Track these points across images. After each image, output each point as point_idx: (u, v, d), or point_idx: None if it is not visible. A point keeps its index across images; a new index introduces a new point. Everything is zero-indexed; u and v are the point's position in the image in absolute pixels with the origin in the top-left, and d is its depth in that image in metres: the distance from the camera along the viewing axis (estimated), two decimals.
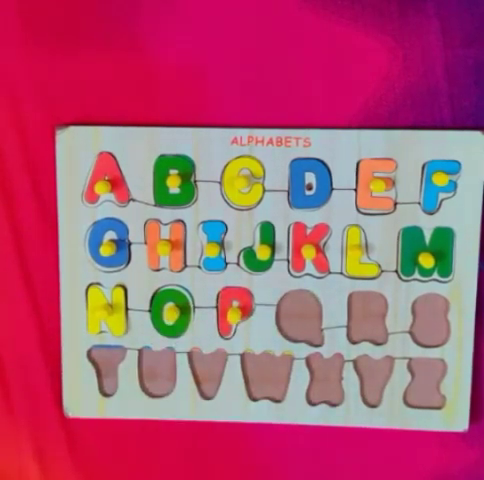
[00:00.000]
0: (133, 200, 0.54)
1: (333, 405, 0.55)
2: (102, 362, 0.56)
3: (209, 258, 0.54)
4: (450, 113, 0.52)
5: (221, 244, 0.54)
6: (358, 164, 0.52)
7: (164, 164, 0.53)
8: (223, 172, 0.53)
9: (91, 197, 0.54)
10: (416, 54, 0.52)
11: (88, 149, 0.53)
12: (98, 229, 0.54)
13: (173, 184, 0.53)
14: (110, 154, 0.53)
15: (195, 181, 0.53)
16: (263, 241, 0.54)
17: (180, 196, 0.53)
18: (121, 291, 0.55)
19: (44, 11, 0.53)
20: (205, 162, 0.53)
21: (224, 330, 0.55)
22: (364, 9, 0.51)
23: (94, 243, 0.54)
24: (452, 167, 0.52)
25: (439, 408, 0.55)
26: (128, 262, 0.54)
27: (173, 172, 0.53)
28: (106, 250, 0.53)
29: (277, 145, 0.53)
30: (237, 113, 0.53)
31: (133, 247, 0.54)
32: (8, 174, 0.55)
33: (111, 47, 0.53)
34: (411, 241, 0.53)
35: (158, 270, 0.54)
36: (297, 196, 0.53)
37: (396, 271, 0.53)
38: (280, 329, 0.55)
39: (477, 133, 0.52)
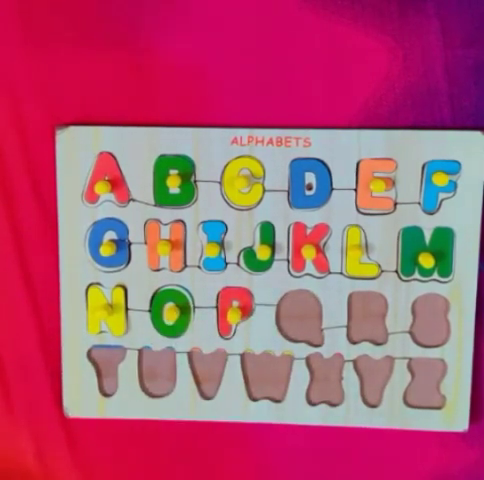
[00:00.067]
0: (133, 200, 0.54)
1: (333, 405, 0.55)
2: (102, 362, 0.56)
3: (209, 258, 0.54)
4: (450, 113, 0.52)
5: (221, 244, 0.54)
6: (358, 164, 0.52)
7: (164, 164, 0.53)
8: (223, 172, 0.53)
9: (91, 197, 0.54)
10: (416, 54, 0.51)
11: (88, 149, 0.53)
12: (98, 229, 0.54)
13: (173, 184, 0.53)
14: (110, 154, 0.53)
15: (195, 181, 0.53)
16: (263, 241, 0.54)
17: (180, 196, 0.53)
18: (121, 291, 0.55)
19: (44, 11, 0.53)
20: (205, 162, 0.53)
21: (224, 330, 0.55)
22: (364, 9, 0.51)
23: (94, 243, 0.54)
24: (452, 167, 0.52)
25: (439, 408, 0.55)
26: (128, 262, 0.54)
27: (173, 172, 0.53)
28: (106, 250, 0.53)
29: (277, 145, 0.53)
30: (237, 113, 0.53)
31: (133, 247, 0.54)
32: (8, 174, 0.55)
33: (111, 47, 0.53)
34: (411, 241, 0.53)
35: (158, 270, 0.54)
36: (297, 196, 0.53)
37: (396, 271, 0.53)
38: (280, 329, 0.55)
39: (477, 133, 0.52)
